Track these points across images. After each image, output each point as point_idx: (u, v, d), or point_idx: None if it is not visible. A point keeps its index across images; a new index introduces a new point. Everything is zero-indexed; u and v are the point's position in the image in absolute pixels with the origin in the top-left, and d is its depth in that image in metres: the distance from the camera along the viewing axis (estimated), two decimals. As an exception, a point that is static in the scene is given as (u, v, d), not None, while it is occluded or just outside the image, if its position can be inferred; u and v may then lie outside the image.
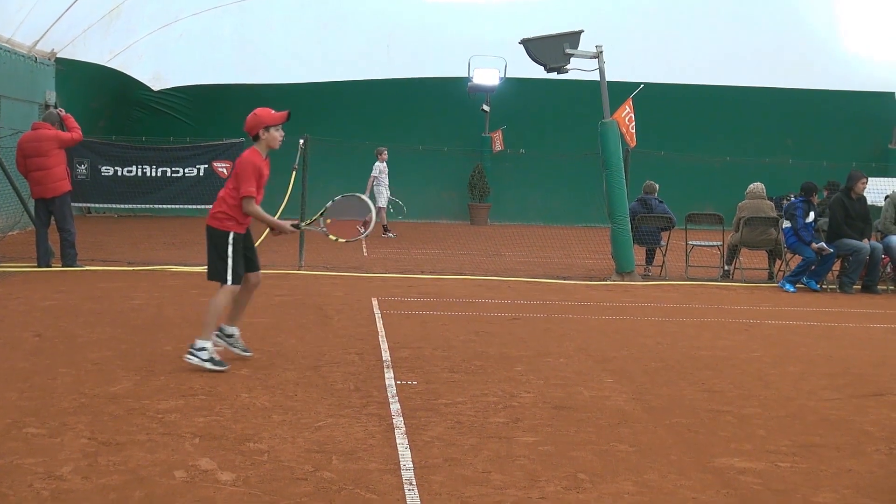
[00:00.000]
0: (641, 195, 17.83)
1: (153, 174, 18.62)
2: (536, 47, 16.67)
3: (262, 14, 28.44)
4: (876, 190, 25.08)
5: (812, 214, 16.01)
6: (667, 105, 29.34)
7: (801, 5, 28.81)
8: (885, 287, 16.17)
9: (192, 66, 28.98)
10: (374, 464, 5.95)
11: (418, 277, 15.79)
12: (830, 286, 16.13)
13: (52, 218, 15.05)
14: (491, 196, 30.43)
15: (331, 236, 9.29)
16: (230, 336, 8.78)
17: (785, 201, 21.19)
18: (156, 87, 29.55)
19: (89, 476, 5.55)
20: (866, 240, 15.93)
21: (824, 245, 15.69)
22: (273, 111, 8.70)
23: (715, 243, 17.99)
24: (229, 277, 8.52)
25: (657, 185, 18.06)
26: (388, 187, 24.10)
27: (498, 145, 30.01)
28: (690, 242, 17.44)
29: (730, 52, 29.27)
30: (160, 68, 29.08)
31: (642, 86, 18.61)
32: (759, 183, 17.22)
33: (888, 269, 16.37)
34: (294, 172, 16.74)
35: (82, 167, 18.54)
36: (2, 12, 19.38)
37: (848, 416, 7.59)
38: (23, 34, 20.98)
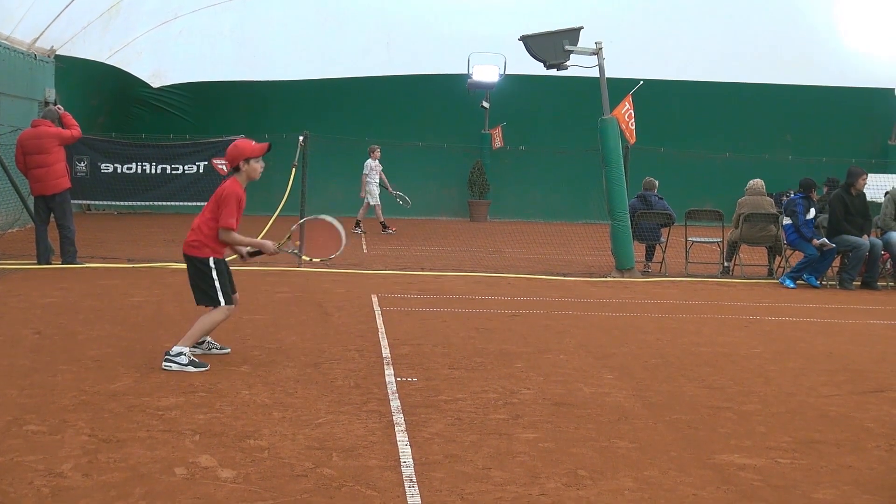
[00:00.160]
0: (641, 192, 17.82)
1: (153, 171, 18.59)
2: (536, 44, 16.65)
3: (261, 11, 28.45)
4: (876, 186, 25.07)
5: (812, 211, 16.02)
6: (666, 101, 29.37)
7: (800, 2, 28.82)
8: (884, 283, 16.17)
9: (191, 63, 29.00)
10: (375, 460, 5.95)
11: (418, 274, 15.79)
12: (830, 282, 16.13)
13: (52, 215, 15.05)
14: (491, 193, 30.45)
15: (304, 256, 9.35)
16: (201, 344, 8.79)
17: (784, 198, 21.19)
18: (155, 85, 29.56)
19: (90, 473, 5.55)
20: (866, 236, 15.93)
21: (826, 241, 15.69)
22: (254, 143, 8.70)
23: (715, 240, 17.99)
24: (221, 300, 8.57)
25: (657, 182, 18.06)
26: (378, 185, 24.06)
27: (498, 142, 30.03)
28: (690, 239, 17.43)
29: (729, 48, 29.28)
30: (160, 65, 29.10)
31: (642, 82, 18.61)
32: (758, 179, 17.22)
33: (888, 266, 16.36)
34: (294, 169, 16.74)
35: (82, 164, 18.52)
36: (1, 9, 19.37)
37: (848, 413, 7.59)
38: (22, 31, 20.98)
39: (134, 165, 18.53)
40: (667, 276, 16.66)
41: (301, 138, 16.68)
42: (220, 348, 8.98)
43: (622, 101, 17.13)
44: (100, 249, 17.29)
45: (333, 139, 23.38)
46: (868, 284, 15.99)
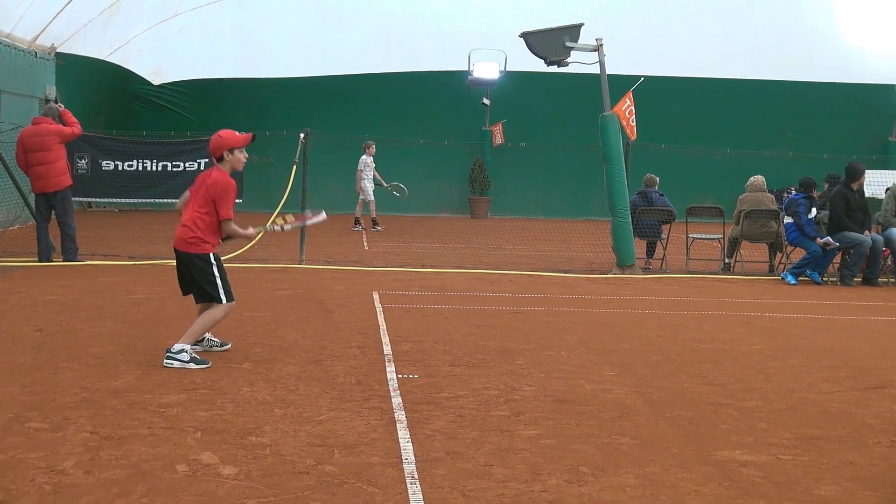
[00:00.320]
0: (642, 188, 17.82)
1: (154, 168, 18.58)
2: (536, 41, 16.65)
3: (261, 8, 28.46)
4: (876, 182, 25.07)
5: (814, 210, 16.03)
6: (667, 98, 29.32)
7: (802, -2, 28.88)
8: (885, 279, 16.16)
9: (191, 60, 29.00)
10: (376, 457, 5.95)
11: (419, 271, 15.79)
12: (831, 279, 16.13)
13: (53, 212, 15.05)
14: (491, 189, 30.45)
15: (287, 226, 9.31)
16: (200, 341, 8.78)
17: (785, 194, 21.19)
18: (156, 82, 29.56)
19: (91, 470, 5.55)
20: (867, 232, 15.92)
21: (830, 240, 15.68)
22: (237, 133, 8.68)
23: (716, 236, 17.99)
24: (223, 297, 8.57)
25: (658, 179, 18.06)
26: (372, 181, 24.04)
27: (498, 139, 30.02)
28: (691, 235, 17.43)
29: (730, 45, 29.27)
30: (160, 63, 29.10)
31: (643, 79, 18.60)
32: (759, 176, 17.22)
33: (889, 262, 16.36)
34: (294, 166, 16.73)
35: (83, 162, 18.52)
36: (2, 7, 19.37)
37: (849, 409, 7.59)
38: (23, 29, 20.98)
39: (135, 163, 18.53)
40: (668, 273, 16.66)
41: (302, 135, 16.68)
42: (221, 345, 8.98)
43: (623, 98, 17.13)
44: (101, 247, 17.29)
45: (334, 136, 23.37)
46: (869, 281, 16.00)
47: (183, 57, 28.85)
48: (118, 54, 26.53)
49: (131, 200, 20.95)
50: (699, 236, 17.75)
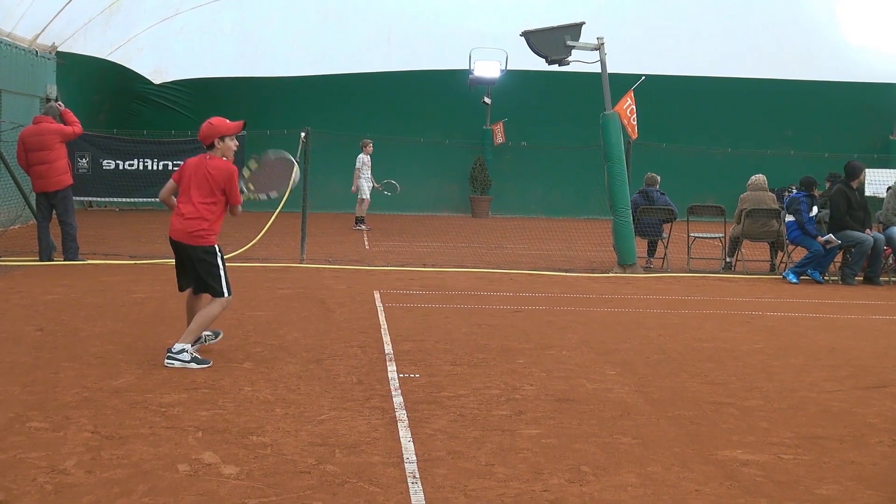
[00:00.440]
0: (643, 187, 17.81)
1: (155, 168, 18.59)
2: (537, 39, 16.65)
3: (262, 7, 28.47)
4: (877, 181, 25.12)
5: (815, 209, 16.02)
6: (668, 97, 29.32)
7: (802, -3, 28.88)
8: (886, 278, 16.14)
9: (192, 59, 28.99)
10: (378, 457, 5.95)
11: (420, 270, 15.79)
12: (832, 278, 16.11)
13: (54, 212, 15.04)
14: (492, 189, 30.44)
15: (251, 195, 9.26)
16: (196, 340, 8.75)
17: (786, 193, 21.19)
18: (156, 81, 29.56)
19: (93, 470, 5.55)
20: (868, 230, 15.92)
21: (832, 237, 15.67)
22: (228, 121, 8.67)
23: (717, 235, 17.99)
24: (225, 290, 8.56)
25: (659, 177, 18.04)
26: (369, 179, 24.02)
27: (499, 138, 30.01)
28: (692, 234, 17.43)
29: (731, 43, 29.28)
30: (161, 62, 29.09)
31: (644, 78, 18.58)
32: (760, 175, 17.22)
33: (890, 261, 16.35)
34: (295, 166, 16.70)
35: (83, 161, 18.52)
36: (2, 6, 19.37)
37: (850, 408, 7.58)
38: (23, 28, 20.97)
39: (136, 162, 18.55)
40: (669, 272, 16.65)
41: (303, 135, 16.66)
42: (215, 335, 8.95)
43: (624, 97, 17.12)
44: (101, 246, 17.30)
45: (335, 135, 23.36)
46: (870, 280, 15.98)
47: (183, 56, 28.85)
48: (119, 53, 26.53)
49: (132, 200, 20.98)
50: (700, 235, 17.74)
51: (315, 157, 17.36)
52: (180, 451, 5.95)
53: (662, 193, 17.75)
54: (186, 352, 8.22)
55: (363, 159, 23.89)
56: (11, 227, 18.73)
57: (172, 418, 6.65)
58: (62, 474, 5.47)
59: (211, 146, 8.60)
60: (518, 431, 6.61)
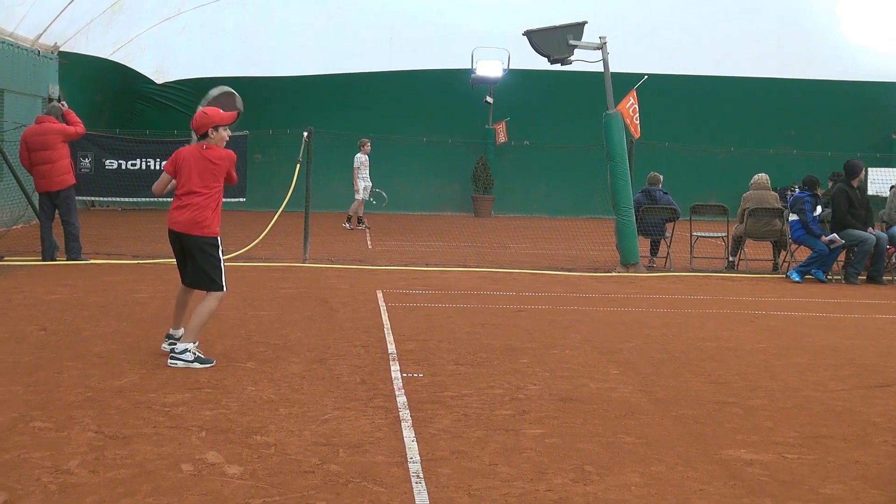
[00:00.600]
0: (646, 186, 17.79)
1: (157, 167, 18.55)
2: (540, 39, 16.64)
3: (264, 6, 28.47)
4: (880, 180, 25.12)
5: (819, 208, 16.01)
6: (671, 96, 29.35)
7: (804, -4, 28.89)
8: (890, 277, 16.13)
9: (194, 59, 28.99)
10: (382, 456, 5.95)
11: (423, 270, 15.78)
12: (835, 277, 16.10)
13: (57, 211, 15.05)
14: (495, 188, 30.43)
15: None
16: (181, 338, 8.71)
17: (789, 192, 21.21)
18: (159, 81, 29.56)
19: (97, 470, 5.55)
20: (871, 229, 15.90)
21: (836, 237, 15.65)
22: (222, 111, 8.66)
23: (720, 234, 17.98)
24: (224, 283, 8.55)
25: (661, 177, 18.03)
26: (366, 179, 24.00)
27: (502, 137, 29.99)
28: (695, 234, 17.41)
29: (733, 42, 29.29)
30: (163, 61, 29.10)
31: (646, 77, 18.59)
32: (763, 174, 17.21)
33: (893, 260, 16.33)
34: (298, 165, 16.71)
35: (86, 161, 18.51)
36: (4, 6, 19.38)
37: (854, 407, 7.58)
38: (26, 28, 20.98)
39: (138, 161, 18.54)
40: (672, 271, 16.64)
41: (305, 134, 16.65)
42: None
43: (627, 96, 17.11)
44: (104, 246, 17.31)
45: (337, 135, 23.36)
46: (874, 279, 15.97)
47: (186, 56, 28.85)
48: (121, 53, 26.53)
49: (134, 199, 20.92)
50: (703, 234, 17.73)
51: (317, 157, 17.35)
52: (184, 450, 5.95)
53: (665, 192, 17.73)
54: (189, 351, 8.22)
55: (361, 159, 23.89)
56: (14, 227, 18.73)
57: (176, 418, 6.64)
58: (66, 474, 5.46)
59: (204, 136, 8.58)
60: (522, 431, 6.61)
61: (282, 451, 5.99)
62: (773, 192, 17.21)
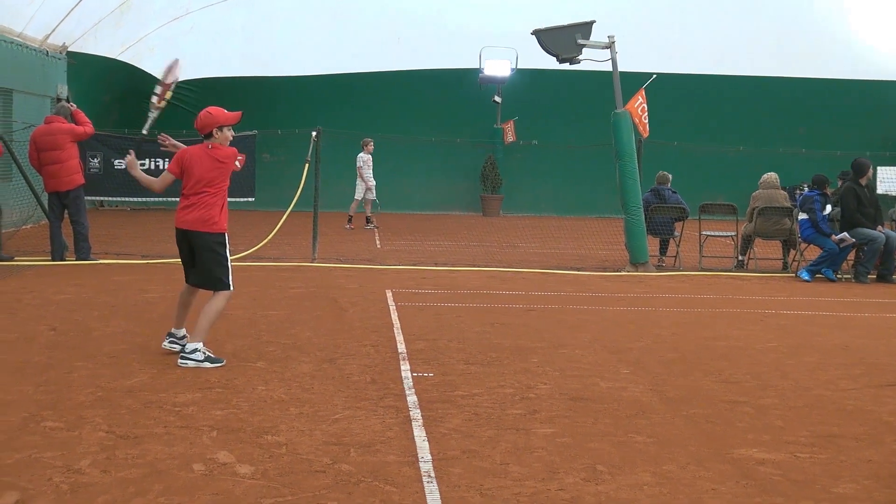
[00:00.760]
0: (655, 186, 17.76)
1: (166, 167, 18.61)
2: (548, 38, 16.64)
3: (271, 6, 28.44)
4: (889, 179, 25.06)
5: (829, 207, 15.97)
6: (679, 95, 29.30)
7: (812, -5, 28.83)
8: (900, 276, 16.11)
9: (202, 58, 28.98)
10: (393, 456, 5.94)
11: (432, 269, 15.77)
12: (845, 276, 16.06)
13: (66, 211, 15.06)
14: (503, 187, 30.40)
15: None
16: (183, 338, 8.71)
17: (798, 191, 21.17)
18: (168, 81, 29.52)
19: (108, 469, 5.55)
20: (880, 228, 15.87)
21: (847, 235, 15.62)
22: (226, 111, 8.68)
23: (729, 233, 17.95)
24: (231, 282, 8.55)
25: (670, 176, 17.99)
26: (369, 178, 23.96)
27: (510, 136, 29.98)
28: (704, 233, 17.39)
29: (741, 41, 29.23)
30: (171, 61, 29.07)
31: (655, 76, 18.58)
32: (772, 173, 17.18)
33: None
34: (307, 165, 16.70)
35: (95, 161, 18.52)
36: (12, 7, 19.40)
37: (866, 406, 7.56)
38: (34, 28, 21.01)
39: (147, 161, 18.53)
40: (681, 271, 16.62)
41: (314, 134, 16.65)
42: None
43: (635, 95, 17.11)
44: (113, 246, 17.33)
45: (344, 134, 23.36)
46: (883, 277, 15.93)
47: (194, 55, 28.83)
48: (129, 53, 26.54)
49: (143, 199, 20.95)
50: (712, 234, 17.70)
51: (326, 157, 17.34)
52: (195, 450, 5.95)
53: (674, 192, 17.71)
54: (199, 351, 8.21)
55: (364, 158, 23.90)
56: (24, 227, 18.75)
57: (187, 418, 6.64)
58: (77, 474, 5.47)
59: (209, 135, 8.60)
60: (533, 430, 6.60)
61: (293, 451, 5.98)
62: (782, 191, 17.18)
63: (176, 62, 10.00)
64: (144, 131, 9.58)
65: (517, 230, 23.64)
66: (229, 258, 8.61)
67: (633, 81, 17.83)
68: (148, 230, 20.92)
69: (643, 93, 17.24)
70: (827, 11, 29.27)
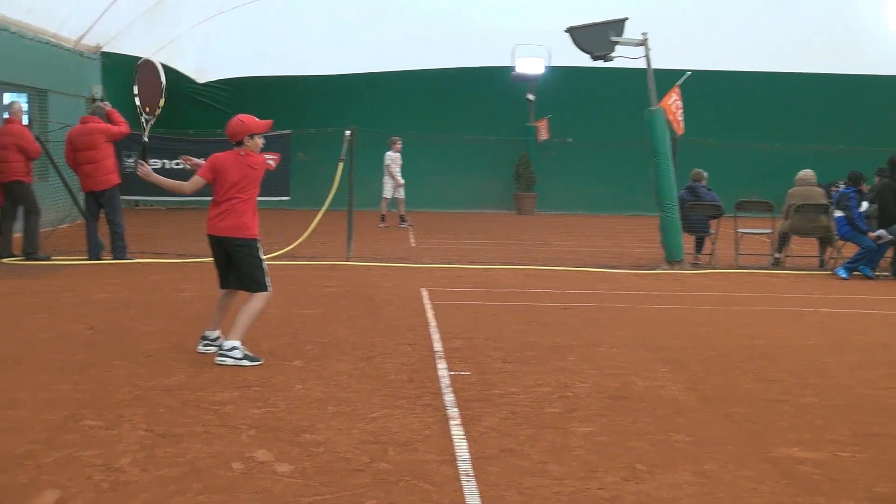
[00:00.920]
0: (690, 183, 17.67)
1: (196, 173, 18.68)
2: (582, 35, 16.58)
3: (303, 5, 28.50)
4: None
5: (865, 204, 15.84)
6: (714, 92, 29.16)
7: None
8: (938, 273, 15.96)
9: (235, 58, 29.13)
10: (431, 455, 5.93)
11: (467, 268, 15.75)
12: (883, 273, 15.93)
13: (102, 211, 15.14)
14: (537, 185, 30.35)
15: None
16: (216, 339, 8.73)
17: (834, 189, 20.99)
18: (200, 80, 29.70)
19: (148, 468, 5.57)
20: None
21: (884, 233, 15.50)
22: (257, 119, 8.68)
23: (765, 231, 17.84)
24: (269, 283, 8.57)
25: (706, 173, 17.88)
26: (397, 176, 23.96)
27: (543, 134, 29.93)
28: (740, 230, 17.29)
29: (775, 38, 29.05)
30: (204, 61, 29.25)
31: (689, 73, 18.46)
32: (808, 170, 17.07)
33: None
34: (341, 164, 16.71)
35: (130, 160, 18.61)
36: (47, 8, 19.53)
37: (907, 405, 7.50)
38: (69, 29, 21.14)
39: (181, 161, 18.61)
40: (717, 268, 16.52)
41: (348, 133, 16.66)
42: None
43: (669, 92, 17.04)
44: (149, 245, 17.41)
45: (378, 133, 23.39)
46: (921, 274, 15.81)
47: (227, 55, 28.99)
48: (163, 53, 26.61)
49: (179, 199, 21.05)
50: (748, 231, 17.60)
51: (359, 155, 17.36)
52: (234, 449, 5.96)
53: (709, 189, 17.60)
54: (238, 349, 8.22)
55: (391, 156, 23.92)
56: (60, 227, 18.88)
57: (225, 416, 6.65)
58: (117, 472, 5.48)
59: (240, 143, 8.63)
60: (571, 429, 6.57)
61: (331, 450, 5.98)
62: (818, 188, 17.07)
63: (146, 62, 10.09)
64: (145, 138, 9.60)
65: (551, 228, 23.61)
66: (264, 260, 8.63)
67: (667, 78, 17.74)
68: (183, 229, 20.99)
69: (678, 90, 17.17)
70: (863, 6, 29.08)
